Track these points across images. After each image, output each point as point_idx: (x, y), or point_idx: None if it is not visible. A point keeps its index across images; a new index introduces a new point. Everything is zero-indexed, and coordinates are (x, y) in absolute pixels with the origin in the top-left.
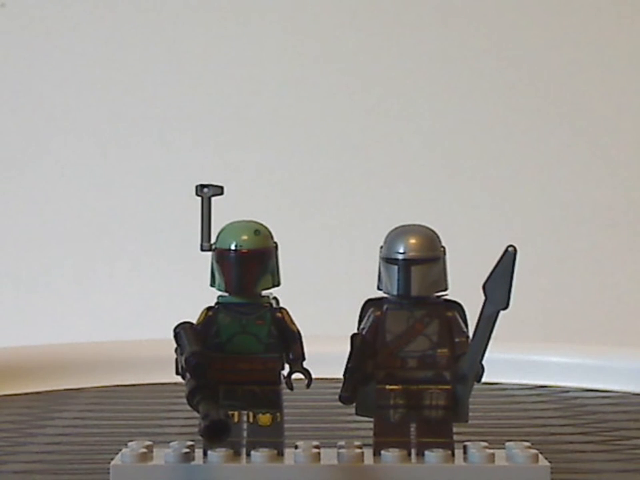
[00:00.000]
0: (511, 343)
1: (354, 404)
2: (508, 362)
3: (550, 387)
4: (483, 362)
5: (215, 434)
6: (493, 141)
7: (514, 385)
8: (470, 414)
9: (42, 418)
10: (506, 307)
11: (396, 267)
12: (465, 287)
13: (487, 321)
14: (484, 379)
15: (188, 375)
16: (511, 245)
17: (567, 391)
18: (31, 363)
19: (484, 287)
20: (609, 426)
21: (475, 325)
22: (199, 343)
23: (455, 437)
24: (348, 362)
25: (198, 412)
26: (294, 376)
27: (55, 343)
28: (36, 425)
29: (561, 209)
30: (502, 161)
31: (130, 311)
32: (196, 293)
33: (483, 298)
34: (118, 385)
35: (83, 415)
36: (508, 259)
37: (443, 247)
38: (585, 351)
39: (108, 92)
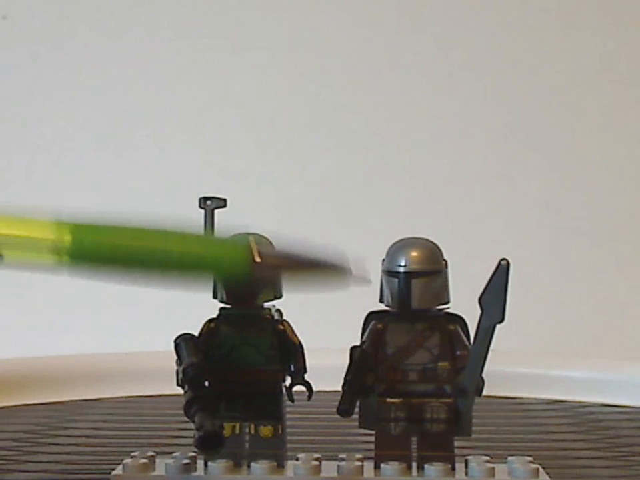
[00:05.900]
0: (532, 357)
1: (352, 416)
2: (528, 376)
3: (568, 401)
4: (484, 375)
5: (208, 445)
6: (494, 154)
7: (532, 399)
8: (482, 428)
9: (56, 428)
10: (501, 321)
11: (397, 280)
12: (467, 300)
13: (484, 335)
14: (502, 393)
15: (186, 386)
16: (503, 259)
17: (585, 406)
18: (51, 373)
19: (480, 301)
20: (622, 441)
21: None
22: (198, 354)
23: (464, 451)
24: (346, 375)
25: (194, 423)
26: (295, 388)
27: (76, 353)
28: (49, 434)
29: (566, 219)
30: (504, 173)
31: (137, 323)
32: (200, 305)
33: None
34: (138, 396)
35: (97, 425)
36: (501, 272)
37: (445, 260)
38: (607, 366)
39: (109, 101)
